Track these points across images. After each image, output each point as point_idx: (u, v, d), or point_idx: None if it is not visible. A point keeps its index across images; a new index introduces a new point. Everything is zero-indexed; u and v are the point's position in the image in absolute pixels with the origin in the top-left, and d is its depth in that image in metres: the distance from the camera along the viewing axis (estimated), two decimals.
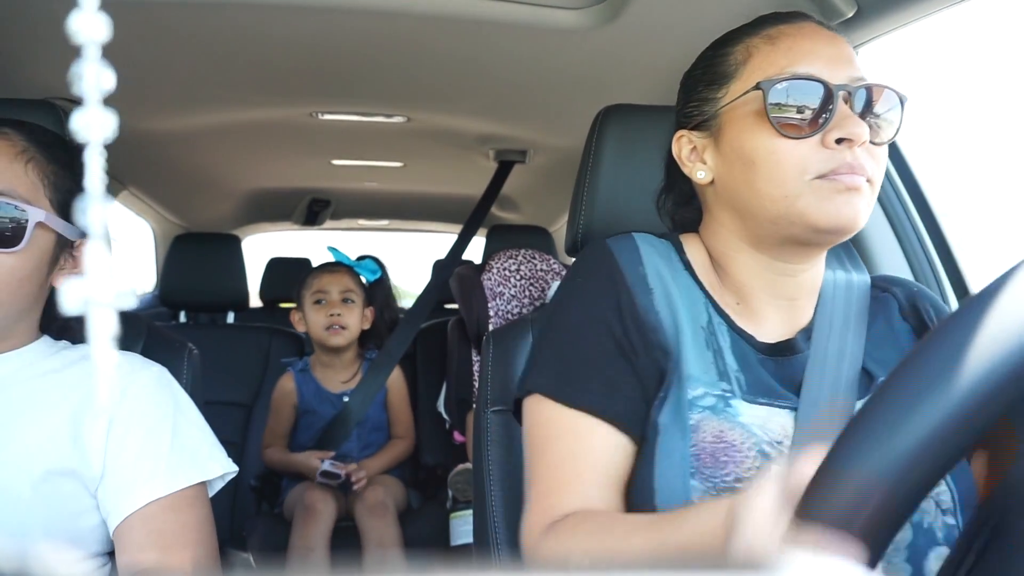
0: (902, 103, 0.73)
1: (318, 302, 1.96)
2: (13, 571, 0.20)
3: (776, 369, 0.73)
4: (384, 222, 3.91)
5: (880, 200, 1.33)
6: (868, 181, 0.69)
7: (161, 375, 0.90)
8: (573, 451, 0.69)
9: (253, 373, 2.17)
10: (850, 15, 1.12)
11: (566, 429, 0.70)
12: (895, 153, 1.35)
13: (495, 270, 2.10)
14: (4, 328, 0.84)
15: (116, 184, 2.43)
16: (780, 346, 0.74)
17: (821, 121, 0.68)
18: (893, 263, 1.31)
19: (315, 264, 2.53)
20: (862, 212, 0.69)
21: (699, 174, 0.77)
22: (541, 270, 2.14)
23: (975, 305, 0.30)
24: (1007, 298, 0.28)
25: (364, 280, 2.09)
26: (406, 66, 1.58)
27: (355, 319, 1.98)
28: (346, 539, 1.81)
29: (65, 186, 0.87)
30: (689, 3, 1.21)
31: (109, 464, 0.82)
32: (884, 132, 0.72)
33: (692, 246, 0.80)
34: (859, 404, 0.69)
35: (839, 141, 0.68)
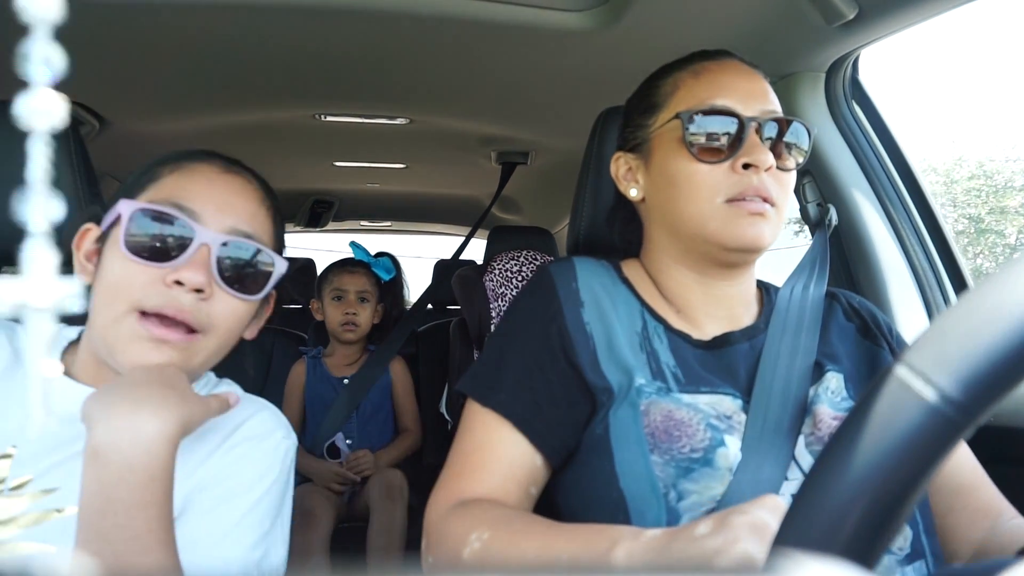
0: (809, 134, 0.82)
1: (336, 298, 2.10)
2: (16, 572, 0.20)
3: (714, 361, 0.79)
4: (387, 223, 3.92)
5: (880, 200, 1.33)
6: (773, 205, 0.77)
7: (283, 442, 0.80)
8: (481, 444, 0.77)
9: (255, 374, 2.17)
10: (851, 17, 1.12)
11: (477, 423, 0.78)
12: (895, 152, 1.35)
13: (497, 271, 2.10)
14: (201, 373, 0.78)
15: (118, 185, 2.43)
16: (716, 340, 0.81)
17: (732, 149, 0.77)
18: (894, 265, 1.31)
19: (320, 261, 2.52)
20: (765, 234, 0.77)
21: (632, 191, 0.87)
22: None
23: (946, 316, 0.30)
24: (971, 308, 0.29)
25: (380, 278, 2.21)
26: (408, 68, 1.59)
27: (367, 317, 2.11)
28: (346, 542, 1.81)
29: (280, 239, 0.85)
30: (690, 6, 1.22)
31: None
32: (791, 159, 0.81)
33: (630, 266, 0.89)
34: (811, 391, 0.77)
35: (746, 166, 0.76)
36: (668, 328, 0.81)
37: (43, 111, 0.19)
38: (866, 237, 1.31)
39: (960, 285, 1.30)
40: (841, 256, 1.37)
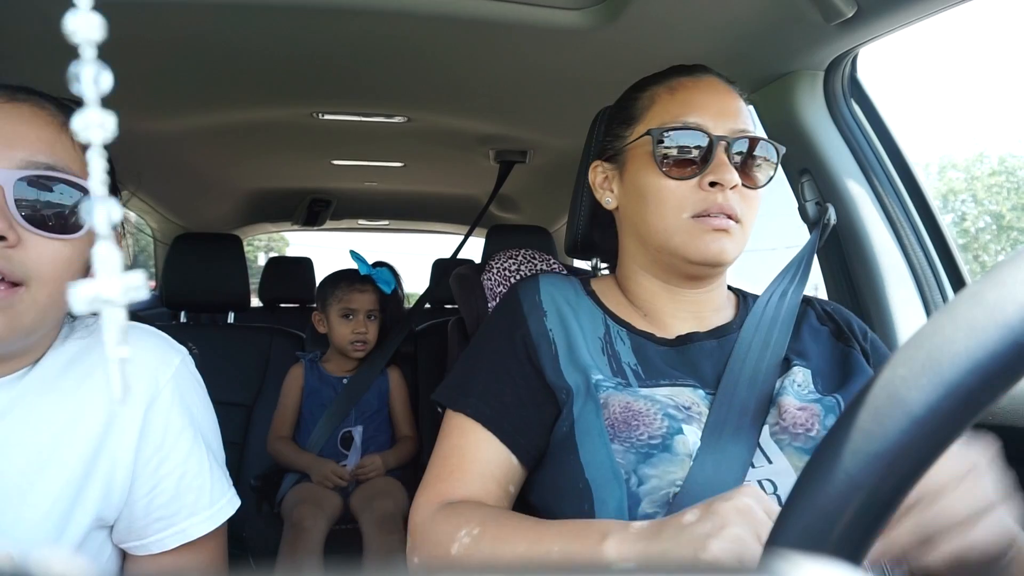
0: (778, 153, 0.84)
1: (345, 316, 2.09)
2: (12, 571, 0.20)
3: (677, 357, 0.83)
4: (384, 222, 3.91)
5: (879, 199, 1.33)
6: (738, 222, 0.80)
7: (182, 376, 0.77)
8: (458, 447, 0.81)
9: (254, 373, 2.17)
10: (850, 15, 1.12)
11: (453, 428, 0.83)
12: (894, 151, 1.35)
13: (495, 270, 2.09)
14: (44, 336, 0.70)
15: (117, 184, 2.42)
16: (681, 338, 0.85)
17: (700, 166, 0.79)
18: (892, 264, 1.31)
19: (315, 260, 2.49)
20: (727, 249, 0.80)
21: (606, 200, 0.91)
22: (541, 271, 2.14)
23: (940, 317, 0.30)
24: (966, 308, 0.29)
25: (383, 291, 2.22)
26: (407, 67, 1.58)
27: (375, 332, 2.12)
28: (342, 544, 1.80)
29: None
30: (688, 4, 1.21)
31: (132, 503, 0.72)
32: (759, 178, 0.83)
33: (598, 282, 0.94)
34: (778, 384, 0.80)
35: (713, 184, 0.79)
36: (632, 330, 0.85)
37: (98, 126, 0.21)
38: (865, 236, 1.31)
39: (959, 284, 1.30)
40: (839, 255, 1.37)
